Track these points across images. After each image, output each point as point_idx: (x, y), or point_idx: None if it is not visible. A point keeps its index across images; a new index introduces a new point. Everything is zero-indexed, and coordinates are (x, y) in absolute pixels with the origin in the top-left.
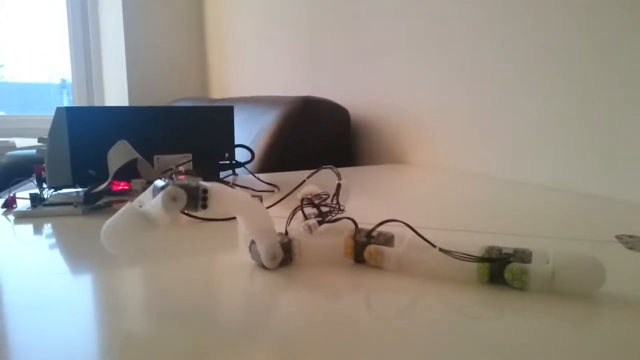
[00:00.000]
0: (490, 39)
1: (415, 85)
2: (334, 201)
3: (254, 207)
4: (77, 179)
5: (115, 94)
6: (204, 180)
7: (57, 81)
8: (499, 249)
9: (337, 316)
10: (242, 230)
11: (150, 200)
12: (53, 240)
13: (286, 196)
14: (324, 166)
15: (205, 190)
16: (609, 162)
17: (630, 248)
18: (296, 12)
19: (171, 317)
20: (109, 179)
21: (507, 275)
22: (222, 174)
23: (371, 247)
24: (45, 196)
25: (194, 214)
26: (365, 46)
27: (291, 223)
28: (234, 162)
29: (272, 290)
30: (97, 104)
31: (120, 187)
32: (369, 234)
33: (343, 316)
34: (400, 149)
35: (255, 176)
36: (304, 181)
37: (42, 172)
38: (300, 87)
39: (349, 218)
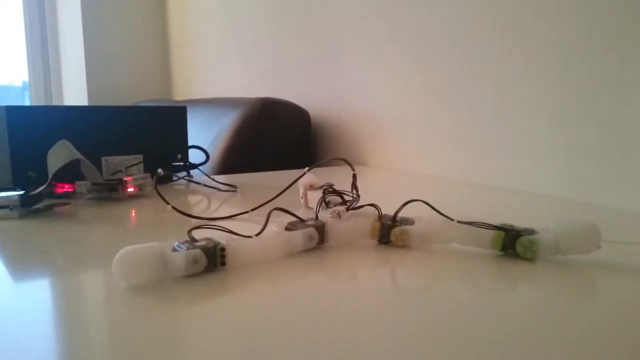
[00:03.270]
0: (449, 45)
1: (376, 88)
2: (353, 191)
3: (269, 245)
4: (18, 181)
5: (75, 96)
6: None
7: (19, 83)
8: (512, 225)
9: (367, 288)
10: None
11: (175, 251)
12: None
13: (285, 189)
14: (335, 158)
15: (222, 249)
16: (564, 162)
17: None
18: (258, 14)
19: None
20: (49, 181)
21: (519, 248)
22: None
23: (397, 229)
24: None
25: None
26: (326, 48)
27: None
28: (187, 163)
29: (310, 269)
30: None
31: (64, 190)
32: (394, 217)
33: (375, 288)
34: (360, 150)
35: (210, 177)
36: (304, 173)
37: None
38: (263, 89)
39: (372, 205)
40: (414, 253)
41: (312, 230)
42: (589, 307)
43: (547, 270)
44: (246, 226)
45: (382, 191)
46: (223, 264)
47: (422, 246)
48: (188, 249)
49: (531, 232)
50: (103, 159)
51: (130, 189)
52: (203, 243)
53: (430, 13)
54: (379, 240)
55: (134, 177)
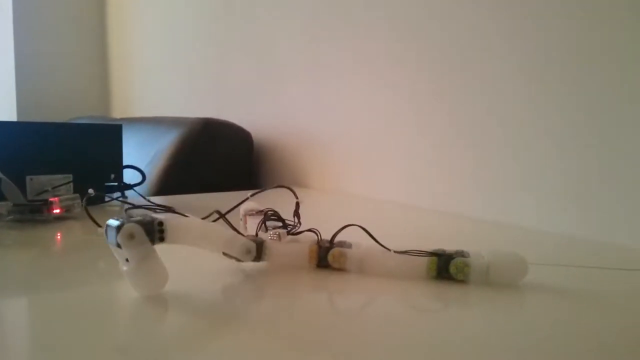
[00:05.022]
0: (392, 66)
1: (319, 109)
2: (295, 217)
3: (210, 228)
4: None
5: (2, 109)
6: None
7: None
8: (443, 250)
9: (305, 310)
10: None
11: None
12: None
13: (228, 212)
14: (279, 185)
15: (160, 223)
16: (490, 188)
17: None
18: (200, 34)
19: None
20: None
21: (452, 269)
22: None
23: (335, 250)
24: None
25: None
26: (269, 70)
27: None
28: (122, 184)
29: (248, 289)
30: None
31: None
32: (331, 239)
33: (311, 310)
34: (302, 172)
35: (145, 199)
36: (246, 199)
37: None
38: (205, 109)
39: (311, 230)
40: (351, 276)
41: (251, 243)
42: (516, 325)
43: (479, 291)
44: (184, 250)
45: (323, 215)
46: (162, 239)
47: (359, 270)
48: (122, 224)
49: (461, 254)
50: (28, 177)
51: (57, 210)
52: (139, 218)
53: (372, 30)
54: (317, 264)
55: (61, 197)
